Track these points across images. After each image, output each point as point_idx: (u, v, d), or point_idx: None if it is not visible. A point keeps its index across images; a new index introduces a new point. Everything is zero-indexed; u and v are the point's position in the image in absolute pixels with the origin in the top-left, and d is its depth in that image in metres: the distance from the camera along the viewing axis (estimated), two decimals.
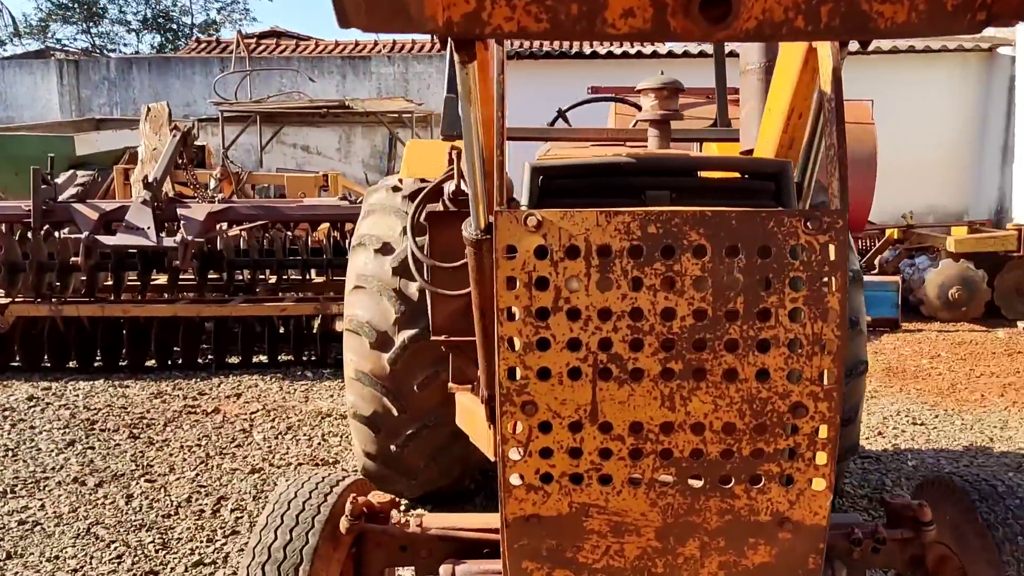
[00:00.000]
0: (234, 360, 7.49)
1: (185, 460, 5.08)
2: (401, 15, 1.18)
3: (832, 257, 1.54)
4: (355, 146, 17.39)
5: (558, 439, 1.65)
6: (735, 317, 1.57)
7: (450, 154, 3.17)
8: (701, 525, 1.70)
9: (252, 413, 6.02)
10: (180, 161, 8.13)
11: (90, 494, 4.55)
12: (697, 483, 1.67)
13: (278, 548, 2.14)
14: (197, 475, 4.83)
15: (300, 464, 4.99)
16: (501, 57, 1.66)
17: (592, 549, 1.74)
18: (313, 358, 7.51)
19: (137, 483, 4.71)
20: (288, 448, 5.28)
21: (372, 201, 4.21)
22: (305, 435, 5.55)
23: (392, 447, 3.98)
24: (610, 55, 13.71)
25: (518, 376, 1.62)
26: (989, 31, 14.46)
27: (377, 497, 2.35)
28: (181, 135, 7.77)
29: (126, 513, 4.30)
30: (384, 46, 17.76)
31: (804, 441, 1.62)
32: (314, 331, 7.37)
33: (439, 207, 3.21)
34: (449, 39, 1.50)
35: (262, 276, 7.85)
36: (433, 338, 3.16)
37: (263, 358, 7.52)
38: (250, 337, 7.46)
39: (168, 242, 7.05)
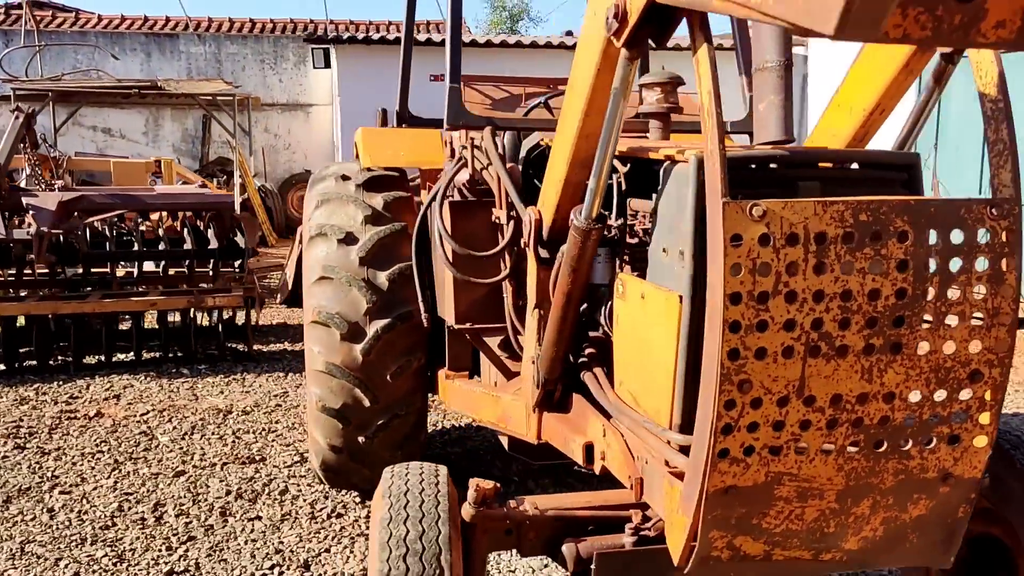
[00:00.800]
0: (92, 360, 6.94)
1: (94, 468, 4.69)
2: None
3: (1010, 239, 1.75)
4: (164, 129, 16.36)
5: (766, 413, 1.76)
6: (929, 295, 1.74)
7: (471, 144, 3.16)
8: (877, 485, 1.87)
9: (143, 415, 5.63)
10: (22, 146, 7.36)
11: (1, 511, 4.12)
12: (881, 447, 1.83)
13: (414, 540, 2.12)
14: (116, 483, 4.48)
15: (226, 463, 4.75)
16: (712, 56, 1.73)
17: (776, 515, 1.87)
18: (179, 354, 7.11)
19: (52, 496, 4.30)
20: (202, 449, 5.00)
21: (322, 190, 4.09)
22: (214, 434, 5.27)
23: (361, 439, 3.90)
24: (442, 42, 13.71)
25: (740, 356, 1.71)
26: None
27: (481, 483, 2.35)
28: (25, 117, 7.04)
29: (57, 528, 3.94)
30: (193, 23, 16.77)
31: (975, 404, 1.83)
32: (199, 324, 6.98)
33: (455, 197, 3.20)
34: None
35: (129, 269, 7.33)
36: (456, 326, 3.16)
37: (125, 356, 7.02)
38: (113, 335, 6.94)
39: (19, 234, 6.40)
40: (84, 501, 4.25)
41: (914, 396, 1.80)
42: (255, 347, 7.25)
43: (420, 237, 3.60)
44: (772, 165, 2.02)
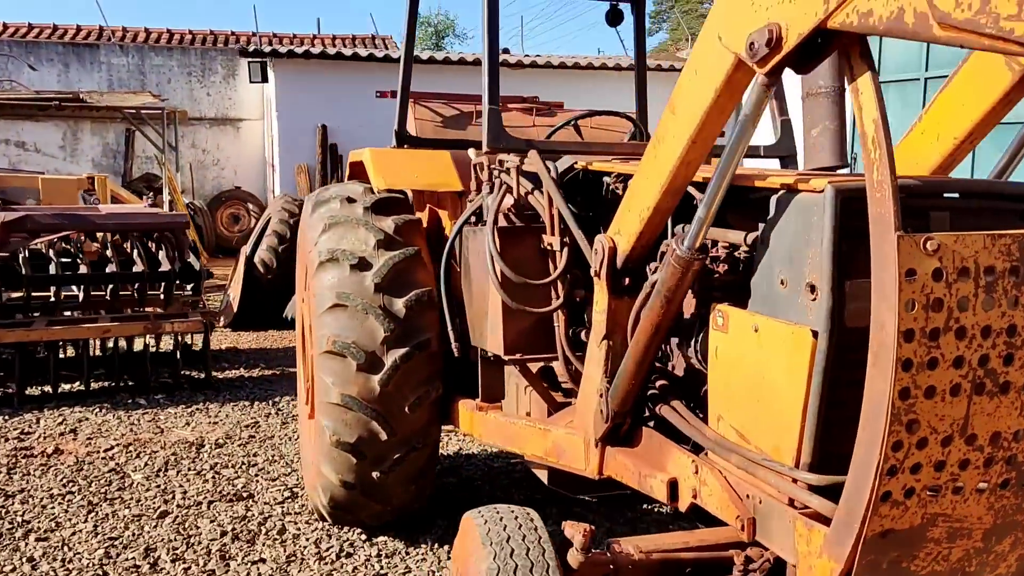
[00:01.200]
0: (36, 391, 6.52)
1: (67, 511, 4.36)
2: None
3: None
4: (83, 144, 15.66)
5: (929, 454, 1.70)
6: None
7: (517, 168, 3.04)
8: (1021, 522, 1.84)
9: (108, 451, 5.29)
10: None
11: None
12: None
13: None
14: (96, 527, 4.17)
15: (212, 502, 4.49)
16: (876, 84, 1.67)
17: (924, 557, 1.81)
18: (131, 383, 6.74)
19: (28, 543, 3.97)
20: (182, 486, 4.71)
21: (327, 213, 3.91)
22: (191, 469, 4.98)
23: (376, 474, 3.72)
24: (387, 58, 13.54)
25: (910, 395, 1.65)
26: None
27: (581, 527, 2.23)
28: None
29: None
30: (115, 33, 16.13)
31: None
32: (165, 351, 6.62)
33: (503, 223, 3.07)
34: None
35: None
36: (506, 356, 3.03)
37: (71, 387, 6.62)
38: (58, 363, 6.53)
39: None
40: (65, 548, 3.94)
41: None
42: (212, 374, 6.94)
43: (447, 263, 3.47)
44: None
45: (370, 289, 3.66)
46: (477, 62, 14.16)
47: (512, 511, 2.27)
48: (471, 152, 4.11)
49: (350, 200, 3.98)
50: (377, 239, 3.78)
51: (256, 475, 4.91)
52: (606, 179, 3.00)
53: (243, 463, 5.11)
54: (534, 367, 3.16)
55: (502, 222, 3.04)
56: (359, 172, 4.51)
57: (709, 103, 2.03)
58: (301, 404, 4.61)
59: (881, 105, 1.66)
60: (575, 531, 2.18)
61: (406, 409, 3.66)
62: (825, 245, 1.88)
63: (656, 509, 4.32)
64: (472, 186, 3.54)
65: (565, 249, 2.90)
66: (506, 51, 15.22)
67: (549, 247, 2.96)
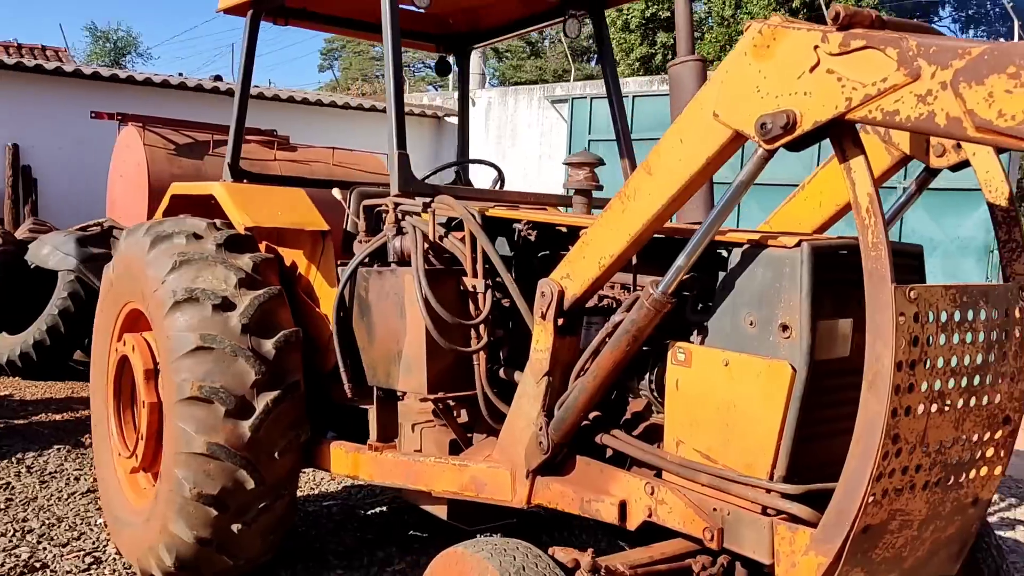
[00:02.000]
0: None
1: None
2: None
3: None
4: None
5: (901, 460, 2.13)
6: (991, 358, 2.25)
7: (433, 213, 3.14)
8: (940, 513, 2.33)
9: None
10: None
11: None
12: (950, 481, 2.29)
13: None
14: None
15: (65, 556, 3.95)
16: (868, 164, 2.08)
17: (882, 546, 2.23)
18: None
19: None
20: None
21: (174, 249, 3.70)
22: None
23: (237, 526, 3.55)
24: (96, 75, 12.39)
25: (897, 414, 2.07)
26: (438, 101, 16.78)
27: (571, 553, 2.41)
28: None
29: None
30: None
31: (1002, 441, 2.37)
32: None
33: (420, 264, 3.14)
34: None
35: None
36: (429, 396, 3.10)
37: None
38: None
39: None
40: None
41: (975, 437, 2.29)
42: None
43: (340, 302, 3.46)
44: (843, 252, 2.40)
45: (236, 330, 3.53)
46: (165, 84, 13.50)
47: (510, 543, 2.39)
48: (336, 192, 4.12)
49: (196, 236, 3.79)
50: (238, 277, 3.65)
51: (39, 542, 4.38)
52: (516, 226, 3.21)
53: (15, 530, 4.53)
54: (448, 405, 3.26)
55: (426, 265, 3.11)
56: (184, 206, 4.29)
57: (697, 169, 2.34)
58: (112, 461, 4.21)
59: (872, 181, 2.07)
60: (575, 555, 2.35)
61: (275, 455, 3.56)
62: (804, 292, 2.26)
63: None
64: (360, 227, 3.56)
65: (488, 291, 3.06)
66: (218, 78, 14.64)
67: (472, 289, 3.09)
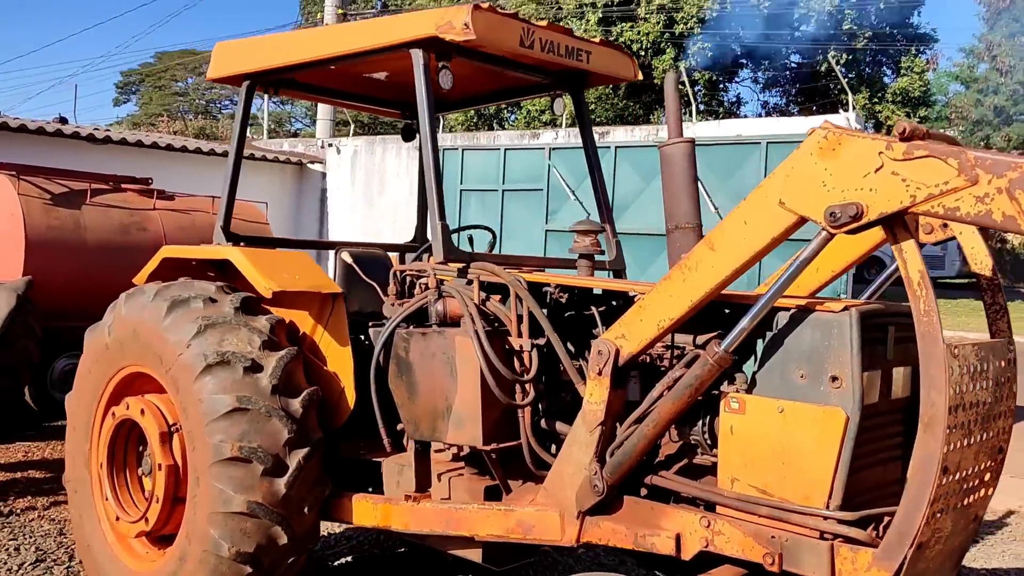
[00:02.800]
0: None
1: None
2: None
3: (1014, 363, 2.90)
4: None
5: (946, 487, 2.61)
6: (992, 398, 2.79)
7: (479, 279, 3.42)
8: (956, 530, 2.82)
9: None
10: None
11: None
12: (964, 502, 2.80)
13: None
14: None
15: None
16: (918, 247, 2.58)
17: (923, 558, 2.68)
18: None
19: None
20: None
21: (192, 314, 3.77)
22: None
23: None
24: None
25: (947, 448, 2.55)
26: (299, 147, 16.65)
27: None
28: None
29: None
30: None
31: (996, 467, 2.91)
32: None
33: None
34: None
35: None
36: (485, 448, 3.34)
37: None
38: None
39: None
40: None
41: (982, 465, 2.82)
42: None
43: (379, 362, 3.64)
44: (875, 316, 2.88)
45: (267, 390, 3.65)
46: (23, 128, 12.81)
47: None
48: (345, 255, 4.30)
49: (212, 300, 3.87)
50: (262, 340, 3.76)
51: None
52: (547, 289, 3.53)
53: None
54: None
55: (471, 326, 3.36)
56: (174, 269, 4.31)
57: (760, 247, 2.77)
58: (101, 528, 4.15)
59: (922, 261, 2.57)
60: None
61: (305, 510, 3.70)
62: (855, 349, 2.72)
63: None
64: (391, 290, 3.77)
65: (533, 350, 3.36)
66: (63, 120, 13.98)
67: (519, 348, 3.38)
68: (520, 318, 3.40)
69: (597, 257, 4.03)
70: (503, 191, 12.19)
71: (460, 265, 3.58)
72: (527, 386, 3.37)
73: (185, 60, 42.26)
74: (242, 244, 4.32)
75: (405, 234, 13.72)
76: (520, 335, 3.39)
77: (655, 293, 3.03)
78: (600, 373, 3.11)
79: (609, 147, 11.26)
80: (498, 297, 3.52)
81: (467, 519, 3.48)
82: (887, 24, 27.29)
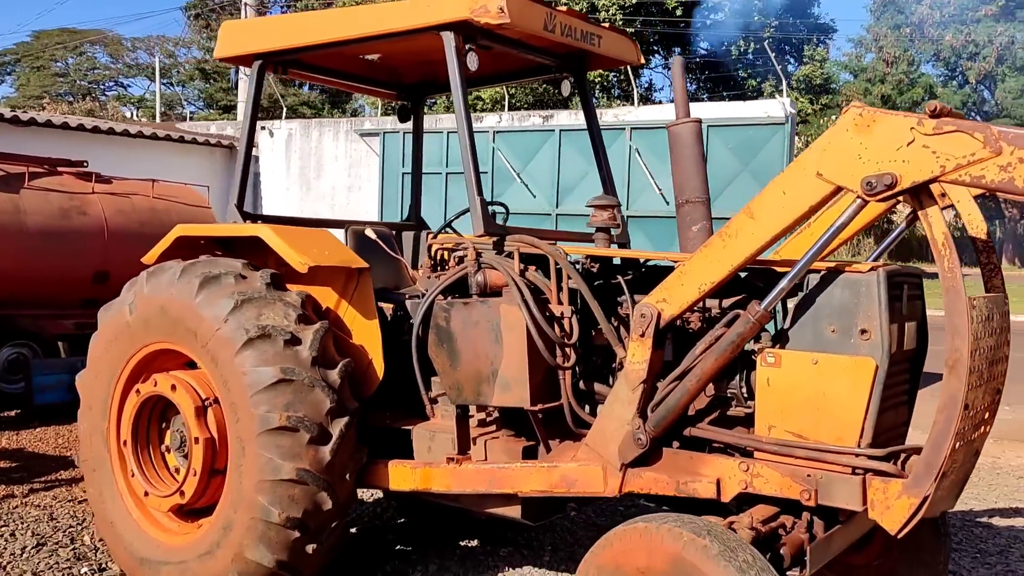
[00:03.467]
0: None
1: None
2: None
3: (1008, 311, 3.29)
4: None
5: (964, 422, 2.96)
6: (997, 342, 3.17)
7: (519, 251, 3.63)
8: (964, 461, 3.19)
9: None
10: None
11: None
12: (972, 434, 3.16)
13: None
14: None
15: None
16: (942, 214, 2.91)
17: (941, 487, 3.02)
18: None
19: None
20: None
21: (226, 290, 3.86)
22: None
23: (311, 547, 3.78)
24: None
25: (968, 389, 2.90)
26: (228, 130, 16.32)
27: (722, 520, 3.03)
28: None
29: None
30: None
31: (993, 407, 3.29)
32: None
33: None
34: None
35: None
36: (533, 408, 3.55)
37: None
38: None
39: None
40: None
41: (985, 403, 3.19)
42: None
43: (420, 332, 3.80)
44: (896, 275, 3.21)
45: (308, 362, 3.78)
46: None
47: (679, 516, 2.96)
48: (369, 231, 4.44)
49: (242, 276, 3.97)
50: (297, 314, 3.88)
51: None
52: (578, 259, 3.76)
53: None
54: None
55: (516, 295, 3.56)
56: (187, 247, 4.36)
57: (798, 215, 3.07)
58: (125, 504, 4.20)
59: (945, 224, 2.90)
60: (729, 520, 2.98)
61: (346, 477, 3.84)
62: (883, 304, 3.04)
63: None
64: (424, 263, 3.93)
65: (573, 316, 3.59)
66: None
67: (560, 315, 3.60)
68: (559, 287, 3.62)
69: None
70: (446, 174, 12.35)
71: (494, 238, 3.78)
72: (568, 350, 3.60)
73: (64, 39, 40.60)
74: (259, 222, 4.40)
75: (344, 216, 13.69)
76: (559, 303, 3.62)
77: (697, 259, 3.30)
78: (643, 335, 3.37)
79: (553, 130, 11.54)
80: (533, 267, 3.74)
81: (511, 477, 3.69)
82: (790, 15, 28.46)
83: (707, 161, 10.58)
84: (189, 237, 4.39)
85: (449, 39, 3.81)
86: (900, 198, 2.94)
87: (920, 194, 2.92)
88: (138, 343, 4.15)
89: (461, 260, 3.87)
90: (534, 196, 11.81)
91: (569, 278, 3.60)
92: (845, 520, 3.28)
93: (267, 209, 14.55)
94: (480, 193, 3.79)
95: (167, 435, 4.26)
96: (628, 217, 11.06)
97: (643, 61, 4.63)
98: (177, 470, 4.21)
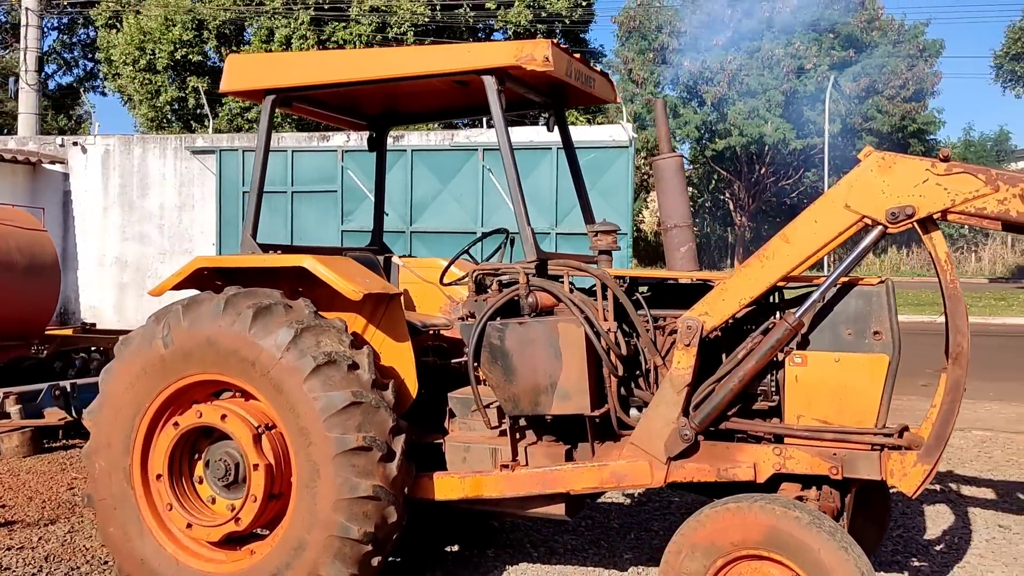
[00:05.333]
0: None
1: None
2: None
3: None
4: None
5: None
6: None
7: (568, 277, 4.05)
8: None
9: None
10: None
11: None
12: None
13: None
14: None
15: None
16: (943, 240, 3.68)
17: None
18: None
19: None
20: None
21: (281, 321, 3.98)
22: None
23: (376, 560, 3.99)
24: None
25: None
26: (30, 145, 15.01)
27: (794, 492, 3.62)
28: None
29: None
30: None
31: None
32: None
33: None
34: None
35: None
36: (593, 413, 3.96)
37: None
38: None
39: None
40: None
41: None
42: None
43: (476, 354, 4.09)
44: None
45: (369, 384, 3.99)
46: None
47: (761, 495, 3.52)
48: (396, 259, 4.65)
49: (288, 307, 4.09)
50: (348, 340, 4.07)
51: None
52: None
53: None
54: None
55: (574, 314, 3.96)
56: (203, 281, 4.39)
57: (827, 240, 3.73)
58: (157, 538, 4.16)
59: (946, 245, 3.67)
60: (797, 494, 3.57)
61: (405, 490, 4.08)
62: (893, 311, 3.78)
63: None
64: (469, 288, 4.21)
65: (619, 330, 4.05)
66: None
67: (608, 330, 4.03)
68: (605, 305, 4.07)
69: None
70: (292, 192, 12.28)
71: (534, 265, 4.17)
72: (616, 360, 4.06)
73: None
74: (275, 251, 4.50)
75: (175, 236, 13.27)
76: (605, 319, 4.07)
77: (737, 277, 3.90)
78: (688, 344, 3.90)
79: (405, 150, 11.83)
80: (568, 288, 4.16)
81: (563, 478, 4.09)
82: (569, 41, 30.24)
83: (558, 181, 11.48)
84: (208, 269, 4.40)
85: (491, 83, 4.16)
86: (912, 225, 3.68)
87: (927, 223, 3.67)
88: (173, 376, 4.13)
89: (503, 284, 4.21)
90: (387, 214, 12.03)
91: (615, 297, 4.07)
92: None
93: (86, 230, 13.69)
94: (528, 223, 4.17)
95: (197, 466, 4.26)
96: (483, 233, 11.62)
97: (619, 100, 5.17)
98: (213, 500, 4.22)
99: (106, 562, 4.96)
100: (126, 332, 9.69)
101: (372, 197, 12.00)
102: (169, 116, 31.82)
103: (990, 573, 4.92)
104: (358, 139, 12.02)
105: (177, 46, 29.86)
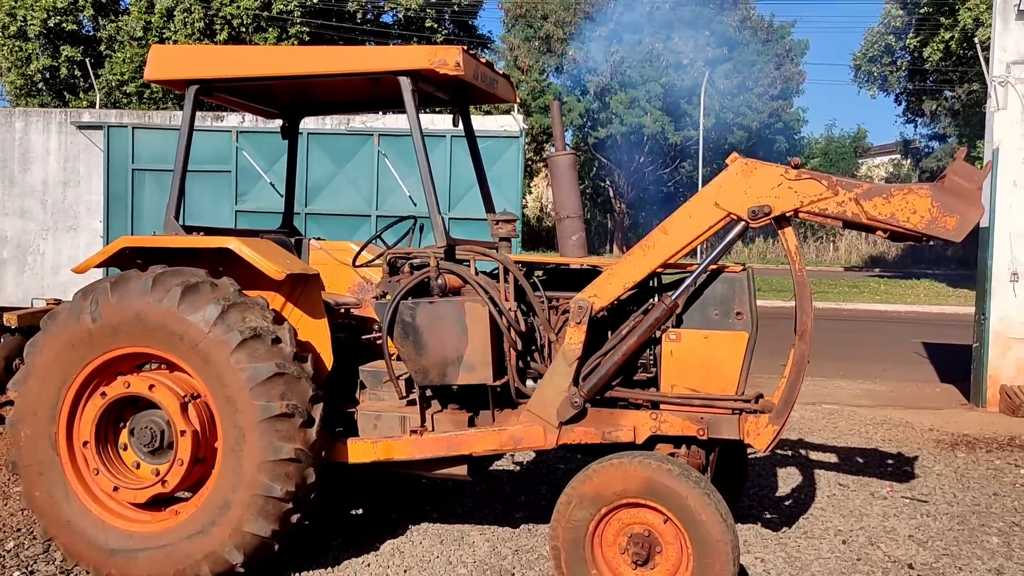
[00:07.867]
0: None
1: None
2: None
3: None
4: None
5: None
6: None
7: (473, 260, 4.49)
8: None
9: None
10: None
11: None
12: None
13: None
14: None
15: None
16: (796, 241, 4.33)
17: None
18: None
19: None
20: None
21: (208, 298, 4.28)
22: None
23: (295, 517, 4.38)
24: None
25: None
26: None
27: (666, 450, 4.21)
28: None
29: None
30: None
31: None
32: None
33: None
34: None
35: None
36: (496, 383, 4.43)
37: None
38: None
39: None
40: None
41: None
42: None
43: (390, 329, 4.48)
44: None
45: (291, 357, 4.35)
46: None
47: (642, 452, 4.08)
48: (314, 242, 5.00)
49: (214, 285, 4.40)
50: (271, 316, 4.42)
51: None
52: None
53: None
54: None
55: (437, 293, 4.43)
56: (123, 260, 4.64)
57: (699, 234, 4.32)
58: (82, 502, 4.41)
59: (796, 240, 4.31)
60: (669, 451, 4.16)
61: (322, 454, 4.47)
62: (752, 294, 4.40)
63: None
64: (383, 270, 4.61)
65: (519, 309, 4.54)
66: None
67: (508, 309, 4.51)
68: (507, 288, 4.56)
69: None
70: (236, 171, 12.28)
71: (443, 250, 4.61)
72: (515, 336, 4.55)
73: None
74: (198, 233, 4.79)
75: (59, 212, 13.02)
76: (507, 300, 4.55)
77: (622, 263, 4.45)
78: (579, 322, 4.43)
79: (301, 133, 11.95)
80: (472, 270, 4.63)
81: (466, 441, 4.57)
82: (457, 28, 30.55)
83: (451, 169, 11.88)
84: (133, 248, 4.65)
85: (407, 83, 4.56)
86: (769, 221, 4.31)
87: (781, 219, 4.31)
88: (100, 349, 4.37)
89: (414, 267, 4.64)
90: (281, 195, 12.18)
91: (516, 279, 4.56)
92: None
93: None
94: (440, 211, 4.61)
95: (122, 433, 4.53)
96: (377, 216, 11.91)
97: (518, 100, 5.63)
98: (137, 465, 4.50)
99: (19, 529, 5.15)
100: (7, 309, 9.53)
101: (267, 178, 12.25)
102: (40, 85, 30.52)
103: (829, 522, 5.69)
104: (252, 120, 12.09)
105: (51, 13, 28.67)
